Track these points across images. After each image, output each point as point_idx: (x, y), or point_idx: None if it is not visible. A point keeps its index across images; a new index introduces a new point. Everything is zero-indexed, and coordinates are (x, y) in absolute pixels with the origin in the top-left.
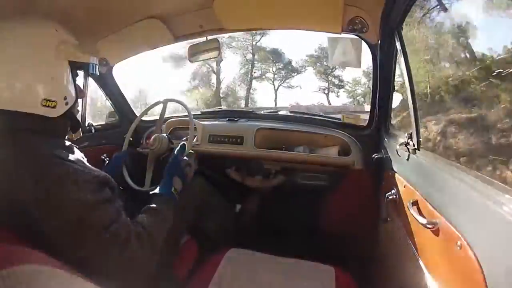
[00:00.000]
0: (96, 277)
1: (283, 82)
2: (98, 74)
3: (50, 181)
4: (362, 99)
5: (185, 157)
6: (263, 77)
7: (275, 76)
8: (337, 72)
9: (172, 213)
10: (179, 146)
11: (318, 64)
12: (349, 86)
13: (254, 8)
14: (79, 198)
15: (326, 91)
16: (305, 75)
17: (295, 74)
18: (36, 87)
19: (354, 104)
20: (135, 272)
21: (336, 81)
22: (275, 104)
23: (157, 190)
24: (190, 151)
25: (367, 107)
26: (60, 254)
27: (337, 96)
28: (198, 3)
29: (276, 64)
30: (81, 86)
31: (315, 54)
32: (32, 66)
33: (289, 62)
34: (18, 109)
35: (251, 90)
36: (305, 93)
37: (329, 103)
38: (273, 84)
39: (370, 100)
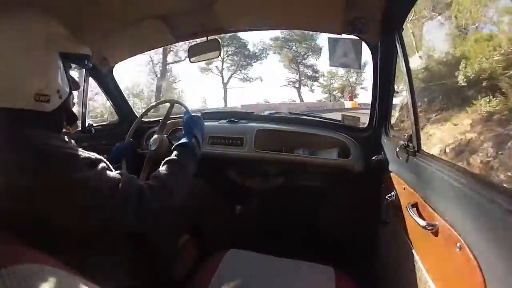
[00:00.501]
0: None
1: (235, 73)
2: (91, 65)
3: (51, 170)
4: (339, 94)
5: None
6: (208, 67)
7: (224, 65)
8: (309, 61)
9: (194, 162)
10: (184, 114)
11: (285, 49)
12: (324, 80)
13: (254, 8)
14: (82, 180)
15: (297, 85)
16: (268, 64)
17: (254, 61)
18: (26, 81)
19: (330, 100)
20: (155, 223)
21: (309, 72)
22: (225, 104)
23: (180, 141)
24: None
25: (347, 104)
26: (69, 236)
27: (311, 91)
28: (199, 3)
29: (225, 48)
30: (77, 79)
31: (282, 37)
32: (21, 60)
33: (245, 46)
34: (11, 105)
35: (165, 85)
36: (269, 87)
37: (301, 100)
38: (221, 76)
39: (371, 101)
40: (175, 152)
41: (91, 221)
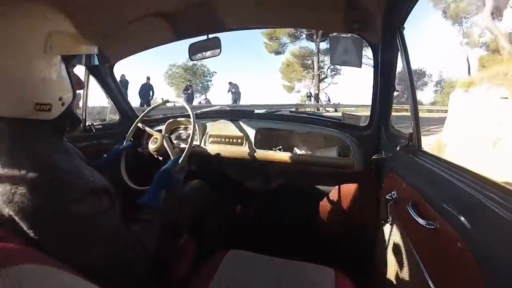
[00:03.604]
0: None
1: None
2: (97, 63)
3: (49, 195)
4: None
5: (177, 170)
6: None
7: None
8: None
9: (160, 220)
10: (172, 159)
11: None
12: None
13: (255, 7)
14: (79, 213)
15: None
16: None
17: None
18: (25, 91)
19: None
20: (131, 281)
21: None
22: None
23: (147, 200)
24: (183, 164)
25: None
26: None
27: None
28: (200, 1)
29: None
30: (80, 77)
31: None
32: (18, 66)
33: None
34: (9, 115)
35: None
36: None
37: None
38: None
39: (371, 99)
40: (143, 211)
41: (77, 258)
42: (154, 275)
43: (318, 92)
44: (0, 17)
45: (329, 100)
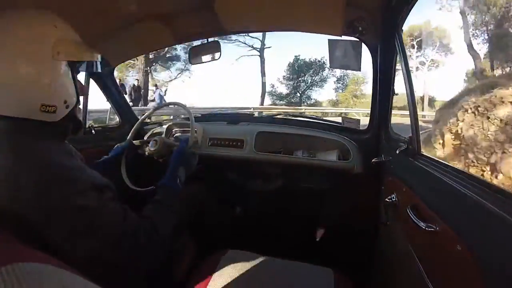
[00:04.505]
0: (105, 269)
1: None
2: (100, 70)
3: (52, 191)
4: None
5: (190, 148)
6: None
7: None
8: None
9: (178, 203)
10: (182, 141)
11: None
12: None
13: (254, 10)
14: (83, 206)
15: None
16: None
17: None
18: (32, 92)
19: None
20: (144, 264)
21: None
22: None
23: (166, 181)
24: (194, 140)
25: None
26: (66, 254)
27: None
28: (199, 4)
29: None
30: (82, 82)
31: None
32: (27, 70)
33: None
34: (15, 115)
35: None
36: None
37: None
38: None
39: (371, 103)
40: (160, 192)
41: (84, 248)
42: (154, 275)
43: (140, 82)
44: (12, 21)
45: (161, 99)
